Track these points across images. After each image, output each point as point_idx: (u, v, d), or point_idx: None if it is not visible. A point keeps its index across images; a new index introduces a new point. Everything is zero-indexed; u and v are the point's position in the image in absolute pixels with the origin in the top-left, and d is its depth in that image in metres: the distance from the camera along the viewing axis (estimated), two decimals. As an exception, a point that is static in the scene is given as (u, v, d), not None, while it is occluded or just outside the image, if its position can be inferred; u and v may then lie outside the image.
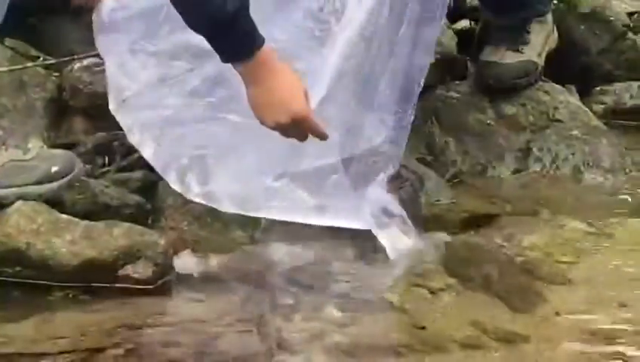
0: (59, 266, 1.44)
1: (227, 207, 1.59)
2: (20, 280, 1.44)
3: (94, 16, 1.81)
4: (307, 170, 1.63)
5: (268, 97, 1.47)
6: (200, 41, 1.52)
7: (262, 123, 1.48)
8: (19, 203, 1.46)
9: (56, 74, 2.11)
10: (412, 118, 1.76)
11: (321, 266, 1.60)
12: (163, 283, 1.48)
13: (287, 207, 1.59)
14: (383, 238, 1.60)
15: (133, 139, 1.64)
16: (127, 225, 1.49)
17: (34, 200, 1.50)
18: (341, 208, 1.60)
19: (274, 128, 1.48)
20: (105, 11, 1.78)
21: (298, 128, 1.46)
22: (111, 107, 1.67)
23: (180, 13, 1.48)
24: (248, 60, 1.40)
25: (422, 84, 1.79)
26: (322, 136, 1.53)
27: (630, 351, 1.29)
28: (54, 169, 1.56)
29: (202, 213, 1.65)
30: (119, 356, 1.24)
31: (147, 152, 1.63)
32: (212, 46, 1.46)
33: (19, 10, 1.76)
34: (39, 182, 1.54)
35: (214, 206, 1.59)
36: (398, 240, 1.61)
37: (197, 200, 1.59)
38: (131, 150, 1.80)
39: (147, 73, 1.77)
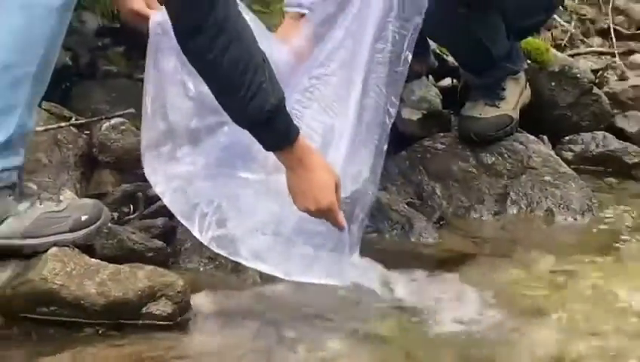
0: (89, 305, 1.44)
1: (234, 255, 1.59)
2: (54, 319, 1.44)
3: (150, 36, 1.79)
4: (301, 224, 1.63)
5: (301, 185, 1.50)
6: None
7: (294, 203, 1.51)
8: (53, 249, 1.47)
9: (87, 132, 2.18)
10: (385, 148, 1.76)
11: (315, 304, 1.61)
12: (182, 319, 1.48)
13: (277, 263, 1.60)
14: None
15: (157, 189, 1.65)
16: (150, 267, 1.50)
17: (67, 246, 1.51)
18: (325, 268, 1.61)
19: (303, 211, 1.52)
20: (154, 30, 1.76)
21: (322, 216, 1.50)
22: (142, 147, 1.68)
23: (223, 109, 1.52)
24: (283, 151, 1.44)
25: (394, 114, 1.79)
26: (340, 228, 1.57)
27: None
28: (84, 218, 1.57)
29: (216, 255, 1.64)
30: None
31: (169, 201, 1.64)
32: (252, 136, 1.49)
33: (53, 75, 1.83)
34: (71, 230, 1.54)
35: (223, 252, 1.59)
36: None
37: (210, 246, 1.60)
38: (153, 200, 1.85)
39: (183, 121, 1.75)
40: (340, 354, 1.40)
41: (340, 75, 1.78)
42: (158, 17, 1.70)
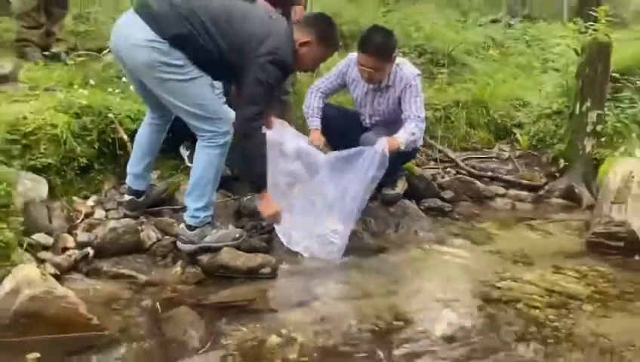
0: (246, 268, 2.57)
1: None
2: (227, 275, 2.54)
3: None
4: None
5: (263, 206, 2.68)
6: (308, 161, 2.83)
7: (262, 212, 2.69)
8: (225, 248, 2.57)
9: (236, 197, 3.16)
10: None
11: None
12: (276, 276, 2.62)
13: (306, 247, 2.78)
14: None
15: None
16: (262, 254, 2.63)
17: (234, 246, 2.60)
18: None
19: (266, 216, 2.69)
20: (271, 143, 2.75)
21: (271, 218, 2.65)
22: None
23: (241, 168, 2.63)
24: (261, 193, 2.64)
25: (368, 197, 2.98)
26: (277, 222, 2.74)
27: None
28: (237, 235, 2.65)
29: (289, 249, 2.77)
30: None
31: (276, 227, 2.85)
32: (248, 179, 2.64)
33: (173, 137, 2.89)
34: (233, 240, 2.62)
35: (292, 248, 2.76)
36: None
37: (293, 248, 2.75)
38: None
39: (284, 178, 2.91)
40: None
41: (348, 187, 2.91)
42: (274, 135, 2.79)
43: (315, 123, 3.24)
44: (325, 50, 2.61)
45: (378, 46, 2.97)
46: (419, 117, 3.13)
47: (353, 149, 2.92)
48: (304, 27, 2.55)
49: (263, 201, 2.65)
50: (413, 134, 3.07)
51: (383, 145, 2.88)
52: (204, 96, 2.47)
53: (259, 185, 2.62)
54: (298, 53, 2.53)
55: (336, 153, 2.93)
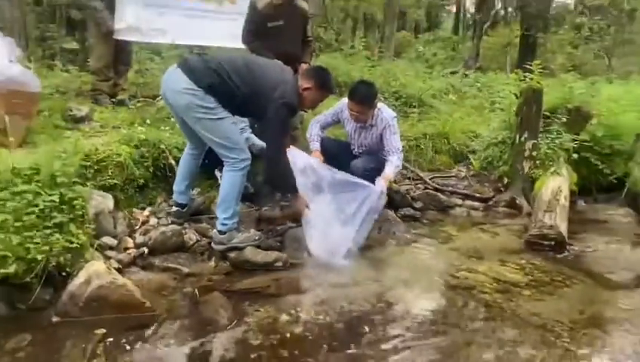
0: (258, 262, 2.53)
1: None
2: (252, 268, 2.55)
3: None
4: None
5: (298, 203, 2.65)
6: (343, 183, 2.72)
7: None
8: (249, 247, 2.55)
9: (257, 208, 3.09)
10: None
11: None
12: (288, 267, 2.58)
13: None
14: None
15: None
16: (277, 252, 2.59)
17: (254, 246, 2.56)
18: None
19: (300, 209, 2.61)
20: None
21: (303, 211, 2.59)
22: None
23: (276, 182, 2.61)
24: (294, 196, 2.62)
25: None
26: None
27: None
28: (257, 237, 2.63)
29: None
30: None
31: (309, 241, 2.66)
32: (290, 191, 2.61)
33: (209, 163, 2.85)
34: (254, 241, 2.59)
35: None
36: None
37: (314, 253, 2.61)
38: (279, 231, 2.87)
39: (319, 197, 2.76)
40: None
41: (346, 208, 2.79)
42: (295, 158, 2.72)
43: (315, 146, 3.24)
44: (322, 93, 2.62)
45: (362, 96, 3.00)
46: (398, 149, 3.17)
47: (356, 179, 2.88)
48: (306, 76, 2.57)
49: (298, 200, 2.66)
50: (397, 166, 3.14)
51: (381, 186, 2.90)
52: (229, 131, 2.49)
53: (292, 191, 2.65)
54: (302, 96, 2.55)
55: (340, 175, 2.86)
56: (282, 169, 2.54)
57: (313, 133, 3.30)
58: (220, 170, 2.71)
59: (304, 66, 3.52)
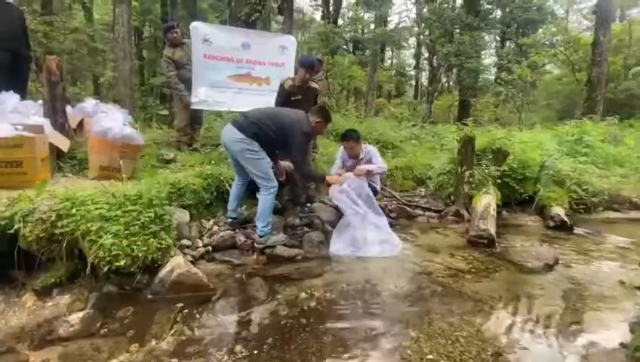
0: (281, 255, 2.42)
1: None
2: (277, 255, 2.40)
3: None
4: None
5: (333, 181, 2.61)
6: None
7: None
8: (278, 246, 2.46)
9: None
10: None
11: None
12: (304, 260, 2.44)
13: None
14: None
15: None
16: (297, 248, 2.49)
17: (280, 244, 2.47)
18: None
19: (335, 184, 2.55)
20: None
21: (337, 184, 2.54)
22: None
23: (309, 181, 2.53)
24: (325, 180, 2.59)
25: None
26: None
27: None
28: (283, 238, 2.52)
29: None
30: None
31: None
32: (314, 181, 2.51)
33: (252, 190, 2.73)
34: (282, 241, 2.50)
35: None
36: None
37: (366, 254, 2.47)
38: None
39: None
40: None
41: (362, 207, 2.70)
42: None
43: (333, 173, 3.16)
44: (326, 123, 2.64)
45: (349, 136, 3.07)
46: (383, 164, 3.17)
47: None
48: (315, 113, 2.57)
49: (331, 181, 2.64)
50: (380, 167, 3.09)
51: (360, 169, 2.84)
52: (265, 167, 2.47)
53: (321, 180, 2.64)
54: (314, 127, 2.55)
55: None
56: (307, 171, 2.62)
57: (332, 171, 3.23)
58: (259, 193, 2.68)
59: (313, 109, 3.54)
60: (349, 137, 3.09)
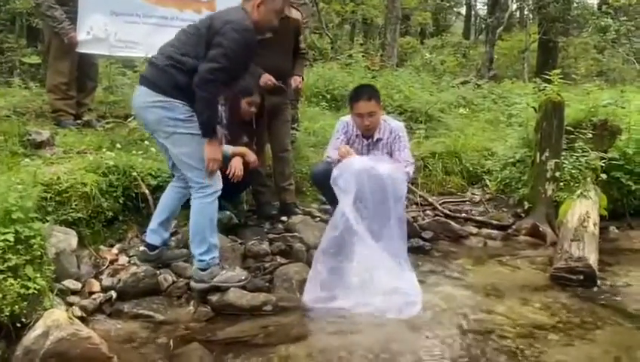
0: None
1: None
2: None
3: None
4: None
5: (208, 150, 2.39)
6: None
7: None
8: (232, 289, 2.50)
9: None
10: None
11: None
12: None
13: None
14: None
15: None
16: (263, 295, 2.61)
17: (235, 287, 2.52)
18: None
19: (209, 158, 2.38)
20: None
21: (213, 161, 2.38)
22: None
23: (198, 110, 2.32)
24: (207, 139, 2.38)
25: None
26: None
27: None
28: (243, 276, 2.59)
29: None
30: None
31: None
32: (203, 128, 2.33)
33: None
34: (238, 281, 2.55)
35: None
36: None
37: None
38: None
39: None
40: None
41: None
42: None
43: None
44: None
45: (369, 92, 3.10)
46: (410, 162, 3.21)
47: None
48: None
49: (209, 147, 2.43)
50: (407, 173, 3.13)
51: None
52: (200, 149, 2.46)
53: (205, 130, 2.40)
54: (257, 10, 2.47)
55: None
56: (204, 98, 2.37)
57: (333, 156, 3.21)
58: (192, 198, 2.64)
59: (298, 80, 3.56)
60: (367, 95, 3.09)
